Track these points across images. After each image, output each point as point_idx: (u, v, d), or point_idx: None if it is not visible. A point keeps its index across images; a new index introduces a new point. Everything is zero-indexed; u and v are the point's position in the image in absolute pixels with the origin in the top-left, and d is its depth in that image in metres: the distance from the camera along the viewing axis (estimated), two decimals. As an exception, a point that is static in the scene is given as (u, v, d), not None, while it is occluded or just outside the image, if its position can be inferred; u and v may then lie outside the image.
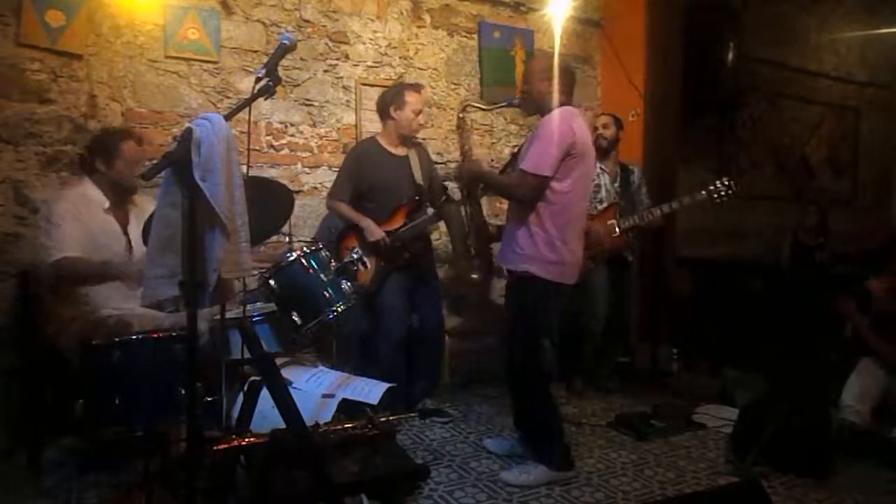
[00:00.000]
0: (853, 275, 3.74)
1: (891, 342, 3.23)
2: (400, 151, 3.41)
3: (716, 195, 3.65)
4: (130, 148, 2.71)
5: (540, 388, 2.78)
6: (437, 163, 3.84)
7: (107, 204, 2.67)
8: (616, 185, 3.95)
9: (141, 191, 2.84)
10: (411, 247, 3.29)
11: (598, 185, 3.87)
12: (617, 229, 3.76)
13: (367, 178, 3.32)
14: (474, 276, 3.32)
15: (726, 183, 3.63)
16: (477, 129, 4.33)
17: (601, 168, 3.90)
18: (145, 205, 2.80)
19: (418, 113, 3.34)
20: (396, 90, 3.38)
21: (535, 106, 2.81)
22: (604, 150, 3.90)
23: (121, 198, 2.73)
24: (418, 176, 3.38)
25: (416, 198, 3.34)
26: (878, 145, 6.73)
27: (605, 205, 3.85)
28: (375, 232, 3.22)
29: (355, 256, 3.20)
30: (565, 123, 2.60)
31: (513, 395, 2.89)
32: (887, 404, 3.16)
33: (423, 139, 3.84)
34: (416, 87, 3.41)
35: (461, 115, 3.39)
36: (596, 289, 3.84)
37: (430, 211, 3.41)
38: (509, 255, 2.76)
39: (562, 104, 2.69)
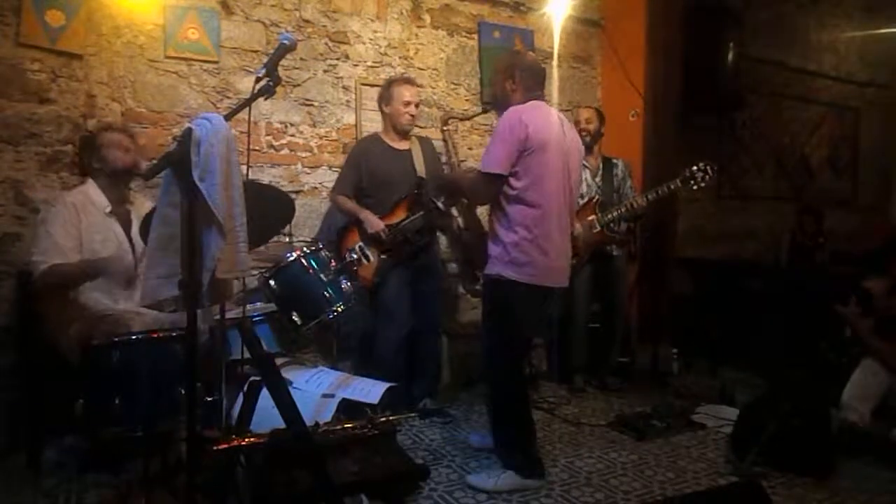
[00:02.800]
0: (853, 275, 3.74)
1: (891, 343, 3.22)
2: (401, 146, 3.41)
3: (692, 181, 3.58)
4: (113, 137, 2.71)
5: (512, 394, 2.69)
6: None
7: (109, 208, 2.66)
8: (598, 179, 3.91)
9: (140, 191, 2.84)
10: (414, 240, 3.29)
11: (579, 180, 3.84)
12: (597, 225, 3.74)
13: (367, 172, 3.34)
14: (464, 289, 3.35)
15: (702, 167, 3.57)
16: (477, 130, 4.34)
17: (583, 163, 3.87)
18: (144, 205, 2.80)
19: (408, 104, 3.33)
20: (386, 85, 3.42)
21: (501, 107, 2.71)
22: (586, 146, 3.78)
23: (122, 189, 2.72)
24: (420, 169, 3.38)
25: (416, 191, 3.33)
26: (878, 145, 6.74)
27: (584, 200, 3.79)
28: (374, 223, 3.22)
29: (354, 256, 3.23)
30: (514, 117, 2.51)
31: (489, 396, 2.81)
32: (887, 404, 3.16)
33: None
34: (404, 80, 3.43)
35: (445, 129, 3.40)
36: (576, 287, 3.82)
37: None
38: (484, 260, 2.70)
39: (527, 101, 2.61)
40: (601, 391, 3.96)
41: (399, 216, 3.29)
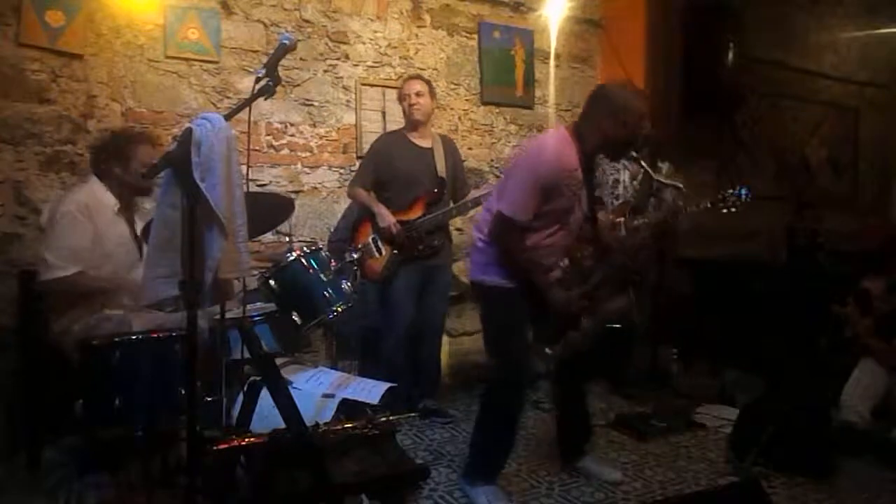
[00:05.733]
0: (853, 275, 3.73)
1: (890, 342, 3.23)
2: (424, 143, 3.41)
3: (723, 204, 3.53)
4: (147, 152, 2.64)
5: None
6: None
7: (117, 206, 2.65)
8: (635, 182, 3.83)
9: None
10: (426, 239, 3.30)
11: (617, 181, 3.80)
12: (623, 229, 3.70)
13: (387, 167, 3.35)
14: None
15: (738, 192, 3.50)
16: (477, 129, 4.34)
17: (624, 164, 3.81)
18: (145, 206, 2.80)
19: (416, 94, 3.35)
20: (400, 84, 3.51)
21: None
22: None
23: (130, 200, 2.71)
24: (441, 169, 3.38)
25: (436, 190, 3.35)
26: (878, 145, 6.73)
27: (620, 201, 3.74)
28: (386, 217, 3.24)
29: (355, 256, 3.23)
30: None
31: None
32: (887, 404, 3.16)
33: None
34: (413, 76, 3.49)
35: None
36: None
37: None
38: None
39: None
40: (625, 399, 3.86)
41: (415, 214, 3.31)
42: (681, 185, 2.55)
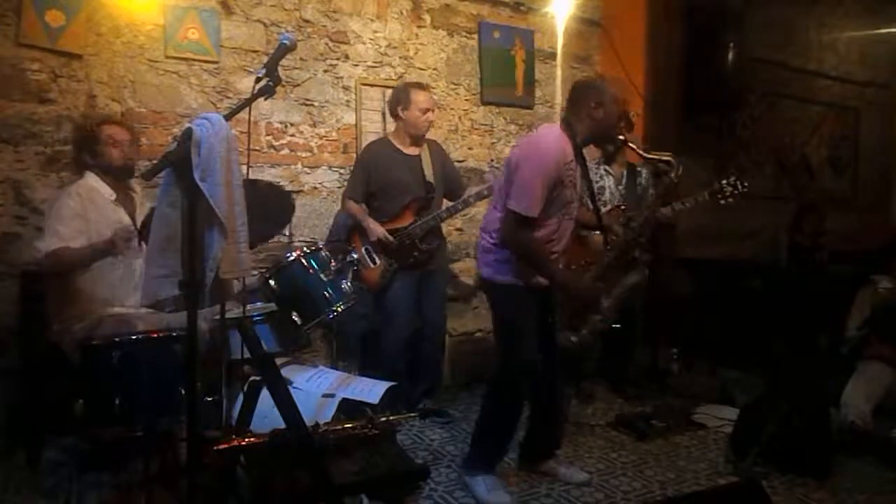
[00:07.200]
0: (853, 275, 3.73)
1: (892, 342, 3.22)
2: (412, 150, 3.39)
3: (719, 195, 3.48)
4: (110, 130, 2.68)
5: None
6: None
7: (113, 196, 2.67)
8: (621, 187, 3.82)
9: (139, 183, 2.84)
10: (421, 244, 3.30)
11: (603, 188, 3.78)
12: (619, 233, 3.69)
13: (377, 177, 3.34)
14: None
15: (733, 182, 3.46)
16: (477, 129, 4.34)
17: (605, 170, 3.82)
18: (145, 201, 2.81)
19: (426, 111, 3.31)
20: (403, 90, 3.37)
21: None
22: (612, 154, 3.78)
23: (121, 184, 2.72)
24: (429, 174, 3.37)
25: (425, 196, 3.34)
26: (878, 145, 6.73)
27: (608, 207, 3.70)
28: (375, 230, 3.24)
29: (355, 256, 3.23)
30: None
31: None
32: (888, 404, 3.16)
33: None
34: (422, 86, 3.41)
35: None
36: None
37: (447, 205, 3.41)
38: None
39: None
40: (625, 400, 3.85)
41: (406, 220, 3.30)
42: (670, 158, 2.69)
